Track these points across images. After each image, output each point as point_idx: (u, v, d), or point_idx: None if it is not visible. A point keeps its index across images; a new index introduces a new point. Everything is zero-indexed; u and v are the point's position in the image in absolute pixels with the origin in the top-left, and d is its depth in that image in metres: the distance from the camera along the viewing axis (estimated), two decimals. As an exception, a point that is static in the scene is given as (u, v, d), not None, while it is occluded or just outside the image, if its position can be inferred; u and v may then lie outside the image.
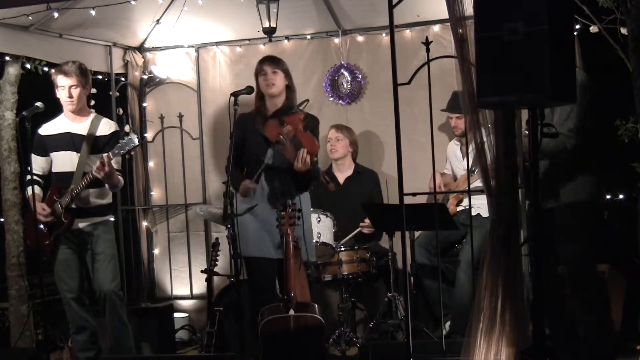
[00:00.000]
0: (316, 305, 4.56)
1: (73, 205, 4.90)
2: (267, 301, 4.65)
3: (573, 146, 4.32)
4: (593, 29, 4.72)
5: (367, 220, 5.72)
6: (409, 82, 4.34)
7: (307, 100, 4.99)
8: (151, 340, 5.76)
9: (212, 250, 5.52)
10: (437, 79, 5.15)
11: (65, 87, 4.93)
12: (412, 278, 5.19)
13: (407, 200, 4.32)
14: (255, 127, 4.85)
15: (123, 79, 6.63)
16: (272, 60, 4.95)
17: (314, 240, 5.12)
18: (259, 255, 4.80)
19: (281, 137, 4.73)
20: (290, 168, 4.74)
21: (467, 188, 4.68)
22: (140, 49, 6.68)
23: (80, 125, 5.02)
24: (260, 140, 4.83)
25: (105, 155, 4.74)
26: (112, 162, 4.78)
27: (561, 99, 3.53)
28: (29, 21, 5.49)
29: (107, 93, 6.38)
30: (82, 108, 5.03)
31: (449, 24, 4.33)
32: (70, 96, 4.94)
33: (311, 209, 5.13)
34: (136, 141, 4.73)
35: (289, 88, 4.93)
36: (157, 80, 6.77)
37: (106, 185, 4.93)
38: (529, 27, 3.35)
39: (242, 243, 4.60)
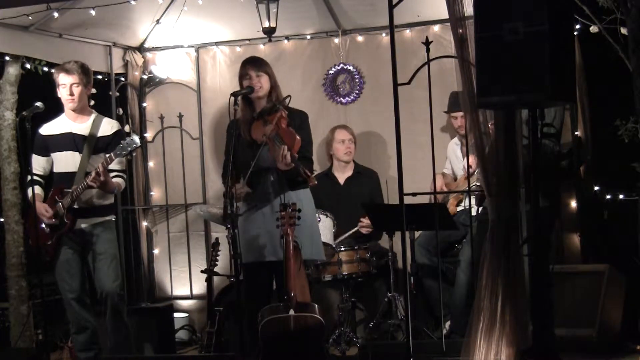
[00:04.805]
0: (316, 305, 4.54)
1: (75, 206, 4.89)
2: (263, 305, 4.59)
3: (558, 152, 4.32)
4: (593, 29, 4.73)
5: (364, 220, 5.71)
6: (409, 82, 4.34)
7: (289, 96, 4.84)
8: (151, 340, 5.76)
9: (212, 250, 5.52)
10: (437, 79, 5.14)
11: (66, 85, 4.91)
12: (412, 278, 5.19)
13: (407, 200, 4.32)
14: (242, 134, 4.74)
15: (123, 79, 6.63)
16: (254, 63, 4.86)
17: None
18: (257, 260, 4.71)
19: (264, 137, 4.64)
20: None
21: (467, 188, 4.67)
22: (140, 49, 6.68)
23: (81, 126, 5.00)
24: (248, 145, 4.73)
25: (107, 155, 4.73)
26: (115, 162, 4.78)
27: (561, 99, 3.54)
28: (29, 21, 5.48)
29: (107, 93, 6.37)
30: (83, 107, 5.01)
31: (449, 24, 4.33)
32: (72, 94, 4.91)
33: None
34: (137, 142, 4.71)
35: (274, 88, 4.85)
36: (157, 80, 6.77)
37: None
38: (529, 27, 3.36)
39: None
